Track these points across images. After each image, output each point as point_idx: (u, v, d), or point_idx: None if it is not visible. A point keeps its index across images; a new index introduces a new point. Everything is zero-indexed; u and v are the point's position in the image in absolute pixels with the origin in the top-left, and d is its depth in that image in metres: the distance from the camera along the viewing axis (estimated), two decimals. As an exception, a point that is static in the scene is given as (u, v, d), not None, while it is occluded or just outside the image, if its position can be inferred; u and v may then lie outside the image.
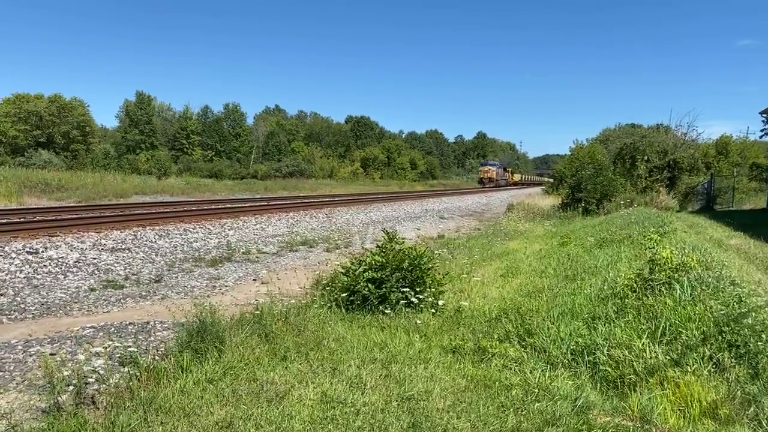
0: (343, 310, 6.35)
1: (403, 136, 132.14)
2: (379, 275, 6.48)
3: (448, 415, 3.80)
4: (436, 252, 10.89)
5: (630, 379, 4.40)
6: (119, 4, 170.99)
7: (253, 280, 9.20)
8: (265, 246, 12.99)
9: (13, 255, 9.90)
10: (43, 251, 10.44)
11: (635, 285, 6.12)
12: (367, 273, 6.50)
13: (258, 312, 5.68)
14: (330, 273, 8.04)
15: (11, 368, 4.84)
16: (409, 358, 4.83)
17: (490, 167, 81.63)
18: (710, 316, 4.93)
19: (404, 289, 6.41)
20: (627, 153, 32.07)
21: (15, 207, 20.83)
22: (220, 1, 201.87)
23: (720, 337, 4.60)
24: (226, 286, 8.69)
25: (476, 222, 22.37)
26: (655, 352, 4.60)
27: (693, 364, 4.36)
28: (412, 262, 6.63)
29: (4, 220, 14.50)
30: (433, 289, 6.74)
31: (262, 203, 25.67)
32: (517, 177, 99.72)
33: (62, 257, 10.14)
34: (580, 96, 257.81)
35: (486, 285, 8.27)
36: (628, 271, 6.89)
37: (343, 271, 7.03)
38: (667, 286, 5.90)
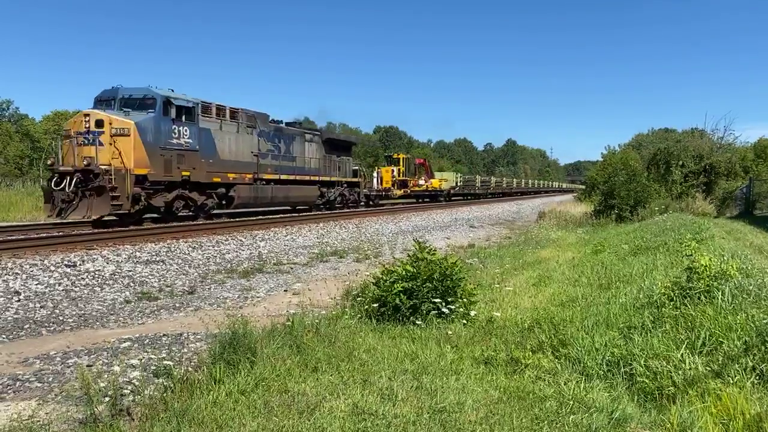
0: (374, 321, 6.33)
1: (432, 145, 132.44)
2: (410, 285, 6.45)
3: (481, 427, 3.75)
4: (466, 261, 10.81)
5: (669, 391, 4.27)
6: (147, 21, 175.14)
7: (285, 291, 9.26)
8: (296, 257, 13.07)
9: (53, 268, 10.16)
10: (80, 264, 10.69)
11: (672, 294, 5.96)
12: (398, 284, 6.48)
13: (289, 323, 5.71)
14: (360, 283, 8.04)
15: (50, 379, 4.95)
16: (441, 370, 4.78)
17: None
18: (752, 325, 4.76)
19: (435, 300, 6.37)
20: (661, 158, 31.51)
21: (54, 221, 21.38)
22: (250, 16, 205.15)
23: (763, 348, 4.44)
24: (257, 297, 8.76)
25: (507, 230, 22.15)
26: (695, 362, 4.46)
27: (735, 376, 4.21)
28: (443, 272, 6.59)
29: (44, 234, 14.90)
30: (465, 300, 6.67)
31: (293, 214, 25.85)
32: (446, 180, 50.44)
33: (99, 270, 10.36)
34: (612, 100, 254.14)
35: (518, 294, 8.16)
36: (665, 280, 6.73)
37: (374, 281, 7.02)
38: (706, 294, 5.74)
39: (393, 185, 42.13)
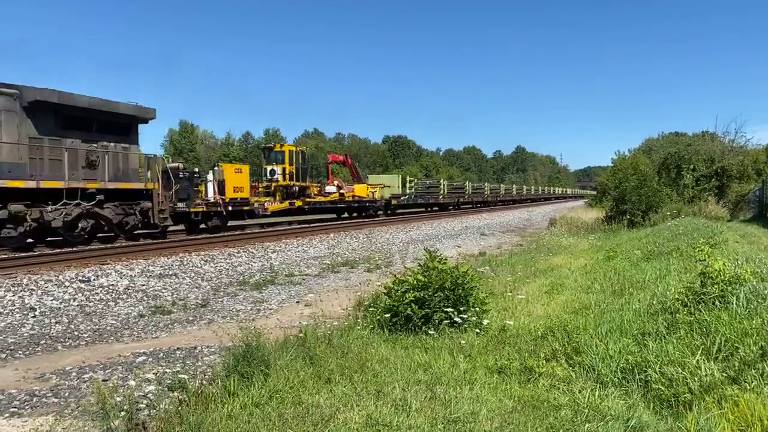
0: (386, 331, 6.33)
1: (441, 153, 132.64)
2: (422, 295, 6.45)
3: (496, 437, 3.73)
4: (478, 269, 10.78)
5: (685, 397, 4.24)
6: (162, 36, 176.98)
7: (297, 302, 9.29)
8: (307, 268, 13.10)
9: (67, 284, 10.25)
10: (94, 279, 10.78)
11: (686, 299, 5.92)
12: (410, 293, 6.48)
13: (302, 335, 5.73)
14: (372, 294, 8.05)
15: (66, 395, 4.99)
16: (454, 379, 4.77)
17: None
18: (768, 330, 4.73)
19: (447, 309, 6.35)
20: (672, 162, 31.36)
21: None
22: (258, 30, 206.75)
23: (780, 353, 4.40)
24: (270, 309, 8.79)
25: (518, 238, 22.09)
26: (711, 369, 4.43)
27: (752, 382, 4.17)
28: (454, 281, 6.58)
29: (58, 250, 15.04)
30: (477, 309, 6.66)
31: (303, 225, 25.93)
32: (385, 185, 37.36)
33: (113, 284, 10.44)
34: (621, 105, 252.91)
35: (530, 302, 8.13)
36: (678, 285, 6.68)
37: (385, 291, 7.03)
38: (720, 299, 5.69)
39: (272, 194, 26.54)
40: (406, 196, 39.90)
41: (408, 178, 42.74)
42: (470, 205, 51.14)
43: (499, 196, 62.97)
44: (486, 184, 64.82)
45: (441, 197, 45.33)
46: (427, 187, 45.57)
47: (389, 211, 36.45)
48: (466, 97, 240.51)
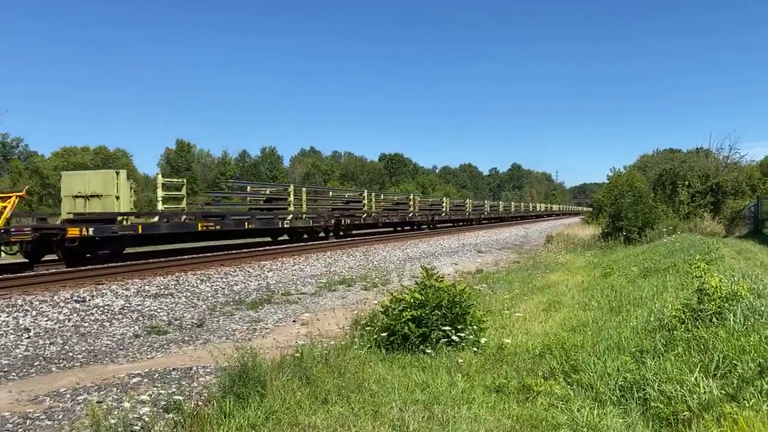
0: (383, 351, 6.30)
1: (437, 171, 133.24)
2: (419, 314, 6.43)
3: (495, 457, 3.70)
4: (475, 287, 10.76)
5: (684, 415, 4.21)
6: (154, 54, 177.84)
7: (293, 321, 9.25)
8: (304, 287, 13.06)
9: (62, 304, 10.19)
10: (89, 299, 10.71)
11: (683, 316, 5.91)
12: (407, 312, 6.46)
13: (298, 355, 5.70)
14: (369, 312, 8.02)
15: (60, 417, 4.94)
16: (452, 399, 4.75)
17: None
18: (766, 347, 4.71)
19: (445, 328, 6.34)
20: (667, 179, 31.54)
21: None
22: (254, 42, 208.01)
23: (778, 369, 4.39)
24: (266, 328, 8.74)
25: (515, 255, 22.10)
26: (709, 386, 4.41)
27: (751, 399, 4.16)
28: (451, 299, 6.57)
29: (53, 270, 14.96)
30: (474, 327, 6.64)
31: (300, 243, 25.86)
32: (110, 196, 15.71)
33: (108, 305, 10.38)
34: (617, 122, 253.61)
35: (528, 320, 8.11)
36: (675, 302, 6.68)
37: (382, 310, 7.01)
38: (717, 316, 5.69)
39: None
40: (166, 220, 17.91)
41: (162, 180, 19.13)
42: (379, 229, 31.88)
43: (439, 214, 40.09)
44: (412, 195, 39.83)
45: (289, 218, 23.35)
46: (268, 200, 24.70)
47: (67, 253, 15.54)
48: (464, 115, 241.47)
